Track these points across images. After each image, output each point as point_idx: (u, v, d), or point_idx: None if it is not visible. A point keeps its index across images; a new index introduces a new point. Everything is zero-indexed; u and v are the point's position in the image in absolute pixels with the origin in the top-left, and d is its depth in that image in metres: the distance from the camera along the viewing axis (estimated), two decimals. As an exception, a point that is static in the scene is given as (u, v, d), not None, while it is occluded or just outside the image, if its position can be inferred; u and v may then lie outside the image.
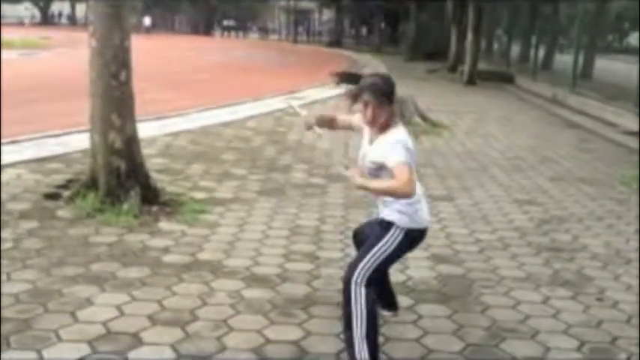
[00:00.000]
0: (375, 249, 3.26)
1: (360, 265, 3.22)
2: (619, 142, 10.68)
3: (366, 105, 3.18)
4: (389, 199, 3.24)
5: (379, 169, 3.19)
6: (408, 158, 3.04)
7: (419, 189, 3.26)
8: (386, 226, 3.30)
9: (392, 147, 3.08)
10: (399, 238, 3.27)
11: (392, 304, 3.86)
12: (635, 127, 11.55)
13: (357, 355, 3.13)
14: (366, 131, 3.36)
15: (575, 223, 5.95)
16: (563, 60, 18.98)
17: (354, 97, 3.22)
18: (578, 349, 3.58)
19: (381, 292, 3.64)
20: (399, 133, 3.18)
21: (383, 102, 3.16)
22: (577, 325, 3.86)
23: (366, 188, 3.21)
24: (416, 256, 4.83)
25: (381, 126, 3.23)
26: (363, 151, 3.36)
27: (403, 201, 3.18)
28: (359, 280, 3.18)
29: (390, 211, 3.29)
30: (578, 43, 17.15)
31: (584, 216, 6.21)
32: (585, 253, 5.15)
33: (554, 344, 3.61)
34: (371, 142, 3.30)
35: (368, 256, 3.24)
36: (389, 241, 3.27)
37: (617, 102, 13.52)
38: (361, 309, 3.15)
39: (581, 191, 7.21)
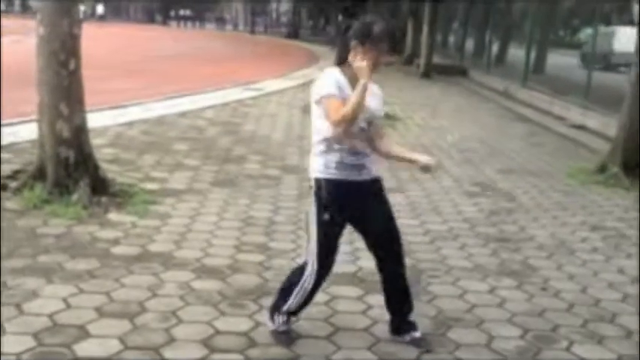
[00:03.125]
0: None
1: None
2: (567, 136, 10.94)
3: (382, 53, 3.14)
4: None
5: (377, 120, 3.33)
6: None
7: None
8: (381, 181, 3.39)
9: (381, 96, 3.32)
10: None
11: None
12: (582, 121, 11.86)
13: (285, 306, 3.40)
14: (345, 82, 3.18)
15: (523, 214, 6.09)
16: (517, 54, 19.30)
17: (374, 42, 3.11)
18: (522, 336, 3.68)
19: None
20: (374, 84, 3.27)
21: (391, 48, 3.18)
22: (521, 314, 3.96)
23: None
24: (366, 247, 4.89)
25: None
26: (373, 108, 3.24)
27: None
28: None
29: (377, 165, 3.37)
30: (530, 37, 17.48)
31: (531, 207, 6.36)
32: (531, 244, 5.28)
33: (498, 332, 3.70)
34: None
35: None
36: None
37: (567, 96, 13.85)
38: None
39: (529, 183, 7.38)
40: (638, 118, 7.74)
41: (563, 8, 24.08)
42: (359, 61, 3.10)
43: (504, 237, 5.41)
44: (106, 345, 3.28)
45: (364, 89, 3.06)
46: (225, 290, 4.02)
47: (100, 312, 3.61)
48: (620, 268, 4.84)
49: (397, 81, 19.29)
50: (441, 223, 5.70)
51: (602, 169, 7.76)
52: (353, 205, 3.27)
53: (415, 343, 3.46)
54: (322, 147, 3.22)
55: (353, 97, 3.08)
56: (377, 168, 3.36)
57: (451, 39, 30.26)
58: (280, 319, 3.44)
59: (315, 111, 3.22)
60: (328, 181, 3.21)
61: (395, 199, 6.23)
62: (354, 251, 4.77)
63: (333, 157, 3.20)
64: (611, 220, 6.10)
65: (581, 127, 11.51)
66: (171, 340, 3.37)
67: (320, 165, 3.22)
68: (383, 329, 3.65)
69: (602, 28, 17.44)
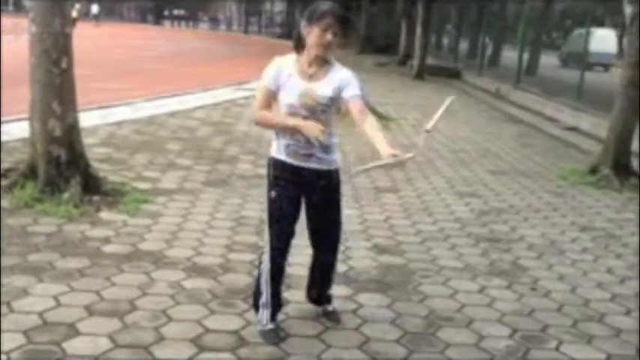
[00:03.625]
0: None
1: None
2: (558, 137, 10.99)
3: (326, 29, 3.14)
4: (334, 142, 3.38)
5: (329, 104, 3.26)
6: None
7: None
8: (333, 175, 3.42)
9: (350, 82, 3.21)
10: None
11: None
12: (573, 123, 11.91)
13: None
14: (294, 67, 3.25)
15: (514, 215, 6.12)
16: (510, 56, 19.42)
17: (316, 20, 3.15)
18: (511, 336, 3.70)
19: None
20: (345, 68, 3.28)
21: (340, 30, 3.18)
22: (511, 314, 3.98)
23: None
24: (359, 247, 4.92)
25: (325, 58, 3.23)
26: (299, 91, 3.23)
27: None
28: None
29: (335, 155, 3.41)
30: (522, 39, 17.55)
31: (522, 208, 6.38)
32: (522, 244, 5.30)
33: (488, 332, 3.71)
34: (310, 78, 3.23)
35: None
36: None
37: (559, 98, 13.92)
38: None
39: (521, 184, 7.41)
40: (628, 120, 7.78)
41: (555, 11, 24.18)
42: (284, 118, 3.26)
43: (495, 237, 5.43)
44: (95, 343, 3.27)
45: (283, 126, 3.26)
46: (216, 289, 4.02)
47: (90, 310, 3.61)
48: (610, 269, 4.87)
49: (390, 81, 19.34)
50: (432, 223, 5.72)
51: (593, 170, 7.80)
52: (296, 187, 3.36)
53: (328, 315, 3.71)
54: (275, 130, 3.36)
55: (272, 119, 3.30)
56: (331, 160, 3.37)
57: (445, 40, 30.35)
58: (264, 315, 3.45)
59: None
60: (276, 160, 3.35)
61: (388, 200, 6.31)
62: (345, 250, 4.80)
63: (283, 141, 3.32)
64: (601, 220, 6.13)
65: (573, 129, 11.56)
66: (161, 339, 3.37)
67: (274, 146, 3.37)
68: (373, 328, 3.66)
69: (578, 30, 17.90)
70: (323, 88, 3.23)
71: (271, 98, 3.29)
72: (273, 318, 3.48)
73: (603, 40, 22.46)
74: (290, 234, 3.40)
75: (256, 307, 3.51)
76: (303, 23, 3.21)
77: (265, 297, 3.43)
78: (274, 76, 3.27)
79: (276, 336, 3.45)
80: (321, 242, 3.57)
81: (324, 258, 3.63)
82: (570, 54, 16.38)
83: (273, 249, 3.37)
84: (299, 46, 3.26)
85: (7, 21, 37.42)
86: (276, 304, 3.49)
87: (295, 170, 3.32)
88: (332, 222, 3.53)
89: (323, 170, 3.36)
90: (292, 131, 3.23)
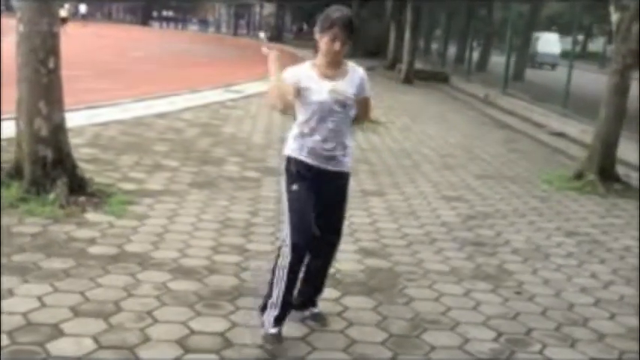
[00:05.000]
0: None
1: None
2: (545, 143, 11.06)
3: (334, 39, 3.28)
4: (350, 145, 3.48)
5: (354, 100, 3.42)
6: None
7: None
8: (347, 176, 3.54)
9: (366, 80, 3.49)
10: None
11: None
12: (561, 128, 12.00)
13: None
14: (313, 71, 3.39)
15: (499, 219, 6.15)
16: (498, 61, 19.61)
17: (325, 29, 3.30)
18: (495, 339, 3.72)
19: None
20: (358, 67, 3.50)
21: (348, 37, 3.31)
22: (495, 317, 4.00)
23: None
24: (345, 250, 4.91)
25: (339, 61, 3.39)
26: (328, 88, 3.36)
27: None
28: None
29: (349, 158, 3.50)
30: (510, 45, 17.66)
31: (508, 212, 6.42)
32: (507, 248, 5.33)
33: (472, 335, 3.73)
34: (331, 78, 3.38)
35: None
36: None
37: (546, 103, 14.01)
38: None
39: (507, 189, 7.45)
40: (613, 126, 7.85)
41: (543, 16, 24.37)
42: (265, 50, 3.41)
43: (480, 241, 5.46)
44: (80, 344, 3.26)
45: (271, 69, 3.34)
46: (202, 291, 4.01)
47: (75, 311, 3.59)
48: (593, 273, 4.91)
49: (379, 85, 19.37)
50: (419, 227, 5.74)
51: (578, 176, 7.86)
52: (312, 186, 3.40)
53: (314, 317, 3.72)
54: (298, 130, 3.43)
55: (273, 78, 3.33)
56: (349, 162, 3.51)
57: (434, 45, 30.47)
58: (270, 317, 3.40)
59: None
60: (297, 160, 3.40)
61: (375, 203, 6.33)
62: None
63: (307, 143, 3.38)
64: (586, 226, 6.18)
65: (560, 135, 11.64)
66: (146, 340, 3.36)
67: (295, 146, 3.42)
68: (359, 331, 3.67)
69: (533, 34, 20.62)
70: (347, 86, 3.39)
71: (290, 90, 3.32)
72: (278, 322, 3.41)
73: (549, 42, 25.68)
74: (311, 227, 3.39)
75: (264, 307, 3.47)
76: (317, 28, 3.35)
77: (276, 296, 3.37)
78: (293, 75, 3.36)
79: (278, 339, 3.40)
80: (321, 246, 3.54)
81: (321, 263, 3.62)
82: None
83: (295, 242, 3.32)
84: (315, 48, 3.43)
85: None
86: (286, 304, 3.41)
87: (316, 171, 3.40)
88: (337, 223, 3.58)
89: (342, 172, 3.49)
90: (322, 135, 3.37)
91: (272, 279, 3.43)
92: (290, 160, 3.43)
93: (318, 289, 3.72)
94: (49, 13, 5.42)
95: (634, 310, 4.29)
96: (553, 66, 24.72)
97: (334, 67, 3.40)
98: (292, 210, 3.36)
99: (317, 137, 3.37)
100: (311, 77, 3.38)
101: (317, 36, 3.37)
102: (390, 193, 6.84)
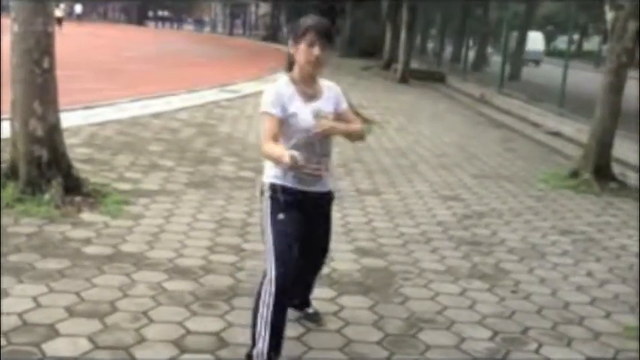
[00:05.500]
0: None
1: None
2: (541, 142, 11.08)
3: (312, 44, 3.03)
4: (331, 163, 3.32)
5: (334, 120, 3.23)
6: None
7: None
8: (332, 197, 3.38)
9: (340, 92, 3.27)
10: None
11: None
12: (557, 127, 12.02)
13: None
14: (292, 89, 3.13)
15: (495, 219, 6.16)
16: (494, 61, 19.68)
17: (300, 37, 3.05)
18: (491, 338, 3.72)
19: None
20: (328, 81, 3.28)
21: (327, 44, 3.05)
22: (491, 316, 4.00)
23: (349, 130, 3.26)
24: (341, 249, 4.92)
25: (317, 75, 3.16)
26: (312, 110, 3.12)
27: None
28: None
29: (332, 179, 3.38)
30: (505, 44, 17.68)
31: (504, 212, 6.43)
32: (503, 247, 5.34)
33: (468, 334, 3.73)
34: (311, 97, 3.15)
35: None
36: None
37: (542, 103, 14.03)
38: None
39: (503, 188, 7.46)
40: (608, 125, 7.87)
41: (539, 15, 24.46)
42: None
43: (476, 240, 5.47)
44: (75, 344, 3.25)
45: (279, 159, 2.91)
46: (198, 291, 4.01)
47: (71, 311, 3.59)
48: (589, 272, 4.92)
49: (375, 85, 19.41)
50: (415, 226, 5.74)
51: (574, 174, 7.88)
52: (300, 212, 3.17)
53: (309, 317, 3.69)
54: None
55: (275, 151, 2.95)
56: (331, 180, 3.36)
57: (429, 45, 30.49)
58: (260, 349, 3.02)
59: None
60: (281, 187, 3.14)
61: (371, 203, 6.33)
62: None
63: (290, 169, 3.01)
64: (581, 224, 6.19)
65: (556, 134, 11.66)
66: (142, 340, 3.35)
67: (278, 172, 3.13)
68: (355, 330, 3.67)
69: (515, 33, 21.23)
70: (326, 105, 3.18)
71: (280, 127, 3.07)
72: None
73: (534, 40, 26.57)
74: (297, 259, 3.12)
75: (253, 337, 3.08)
76: (290, 42, 3.12)
77: (262, 344, 3.00)
78: (277, 101, 3.07)
79: None
80: (315, 253, 3.46)
81: (311, 278, 3.62)
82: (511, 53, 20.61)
83: (279, 275, 3.01)
84: (291, 66, 3.17)
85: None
86: (275, 353, 3.05)
87: (303, 195, 3.17)
88: (326, 234, 3.45)
89: (327, 192, 3.32)
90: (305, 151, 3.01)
91: (255, 321, 3.04)
92: (275, 188, 3.15)
93: (308, 287, 3.68)
94: (43, 12, 5.41)
95: (629, 308, 4.30)
96: (537, 62, 25.72)
97: (312, 83, 3.16)
98: (277, 241, 3.08)
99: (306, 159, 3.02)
100: (293, 99, 3.11)
101: (291, 49, 3.11)
102: (386, 192, 6.84)
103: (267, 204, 3.17)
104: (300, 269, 3.27)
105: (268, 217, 3.15)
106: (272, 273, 3.03)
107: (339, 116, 3.22)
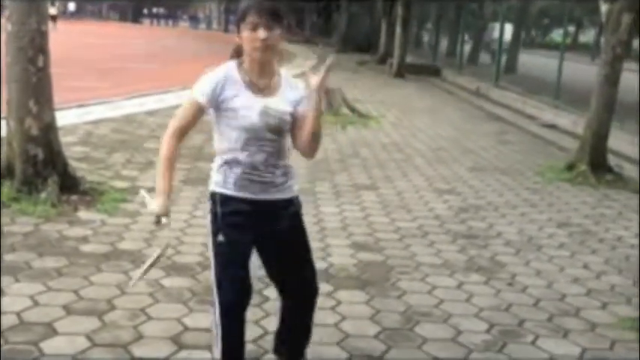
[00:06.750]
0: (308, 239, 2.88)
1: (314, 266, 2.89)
2: (537, 135, 11.09)
3: (254, 27, 2.53)
4: (291, 164, 2.76)
5: (289, 121, 2.66)
6: None
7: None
8: (297, 204, 2.82)
9: (305, 96, 2.64)
10: None
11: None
12: (553, 120, 12.04)
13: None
14: (238, 75, 2.62)
15: (492, 212, 6.17)
16: (489, 54, 19.70)
17: (241, 21, 2.58)
18: (488, 331, 3.73)
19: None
20: (293, 78, 2.74)
21: (274, 24, 2.54)
22: (488, 309, 4.02)
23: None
24: (338, 244, 4.94)
25: (271, 65, 2.63)
26: (259, 106, 2.59)
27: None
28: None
29: (294, 181, 2.80)
30: (501, 38, 17.68)
31: (500, 204, 6.44)
32: (499, 240, 5.35)
33: (465, 327, 3.75)
34: (262, 91, 2.62)
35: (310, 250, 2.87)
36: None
37: (538, 96, 14.05)
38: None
39: (499, 181, 7.47)
40: (604, 117, 7.88)
41: (534, 9, 24.48)
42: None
43: (473, 234, 5.48)
44: (73, 342, 3.26)
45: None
46: (195, 287, 4.02)
47: (68, 310, 3.59)
48: (585, 264, 4.93)
49: (370, 79, 19.41)
50: (411, 220, 5.75)
51: (570, 167, 7.90)
52: (251, 228, 2.68)
53: None
54: (220, 160, 2.71)
55: (160, 177, 2.73)
56: (292, 186, 2.78)
57: (425, 39, 30.50)
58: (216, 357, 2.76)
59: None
60: (224, 196, 2.65)
61: (367, 197, 6.34)
62: (325, 247, 4.82)
63: (234, 171, 2.66)
64: (578, 217, 6.21)
65: (552, 127, 11.68)
66: (140, 337, 3.36)
67: (218, 178, 2.69)
68: (352, 324, 3.68)
69: (491, 24, 22.31)
70: (282, 104, 2.63)
71: (196, 118, 2.67)
72: None
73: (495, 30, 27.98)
74: (246, 280, 2.69)
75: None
76: (236, 29, 2.64)
77: (217, 351, 2.71)
78: (213, 89, 2.60)
79: None
80: (296, 290, 2.88)
81: (301, 314, 2.95)
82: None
83: (222, 303, 2.63)
84: (235, 55, 2.68)
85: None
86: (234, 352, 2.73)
87: (253, 206, 2.65)
88: (304, 260, 2.85)
89: (286, 199, 2.74)
90: (249, 158, 2.63)
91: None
92: (214, 199, 2.66)
93: (301, 338, 3.03)
94: (37, 11, 5.40)
95: (625, 299, 4.31)
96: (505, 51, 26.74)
97: (266, 74, 2.63)
98: (217, 267, 2.64)
99: (246, 163, 2.64)
100: (235, 89, 2.60)
101: (237, 38, 2.62)
102: (383, 186, 6.85)
103: (208, 219, 2.71)
104: (283, 310, 2.93)
105: (209, 235, 2.69)
106: (216, 299, 2.67)
107: (296, 118, 2.65)
